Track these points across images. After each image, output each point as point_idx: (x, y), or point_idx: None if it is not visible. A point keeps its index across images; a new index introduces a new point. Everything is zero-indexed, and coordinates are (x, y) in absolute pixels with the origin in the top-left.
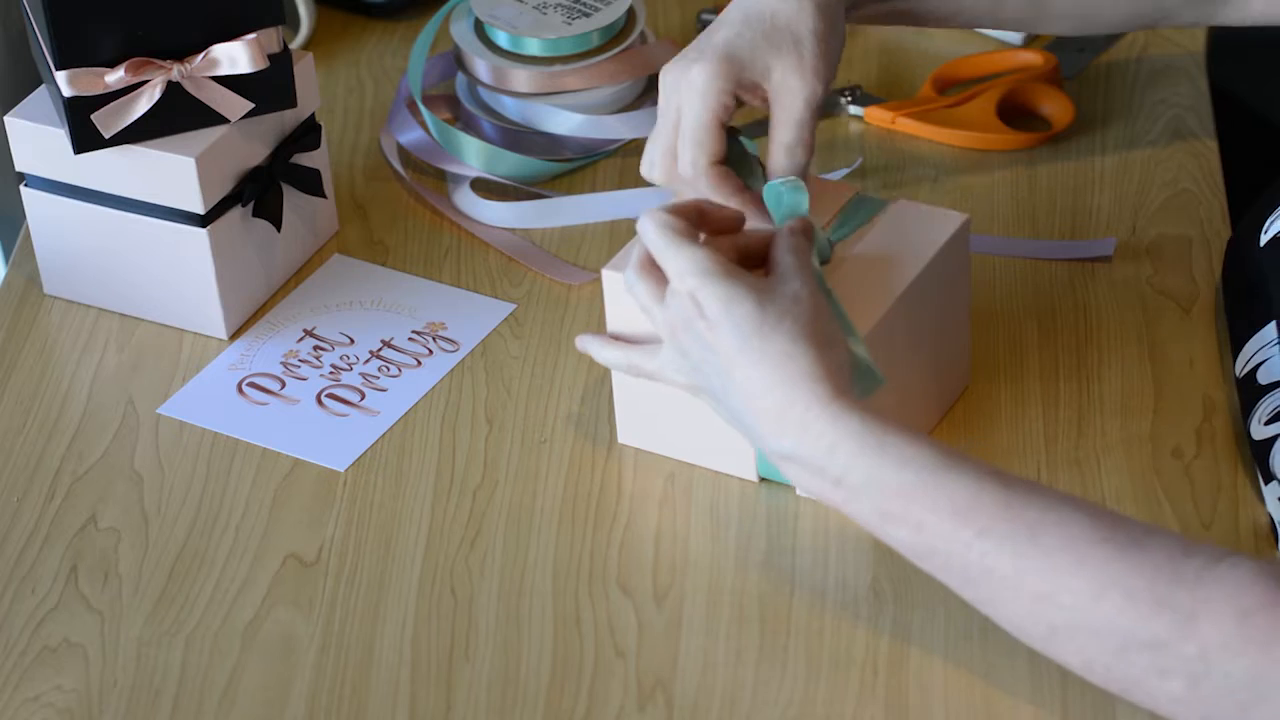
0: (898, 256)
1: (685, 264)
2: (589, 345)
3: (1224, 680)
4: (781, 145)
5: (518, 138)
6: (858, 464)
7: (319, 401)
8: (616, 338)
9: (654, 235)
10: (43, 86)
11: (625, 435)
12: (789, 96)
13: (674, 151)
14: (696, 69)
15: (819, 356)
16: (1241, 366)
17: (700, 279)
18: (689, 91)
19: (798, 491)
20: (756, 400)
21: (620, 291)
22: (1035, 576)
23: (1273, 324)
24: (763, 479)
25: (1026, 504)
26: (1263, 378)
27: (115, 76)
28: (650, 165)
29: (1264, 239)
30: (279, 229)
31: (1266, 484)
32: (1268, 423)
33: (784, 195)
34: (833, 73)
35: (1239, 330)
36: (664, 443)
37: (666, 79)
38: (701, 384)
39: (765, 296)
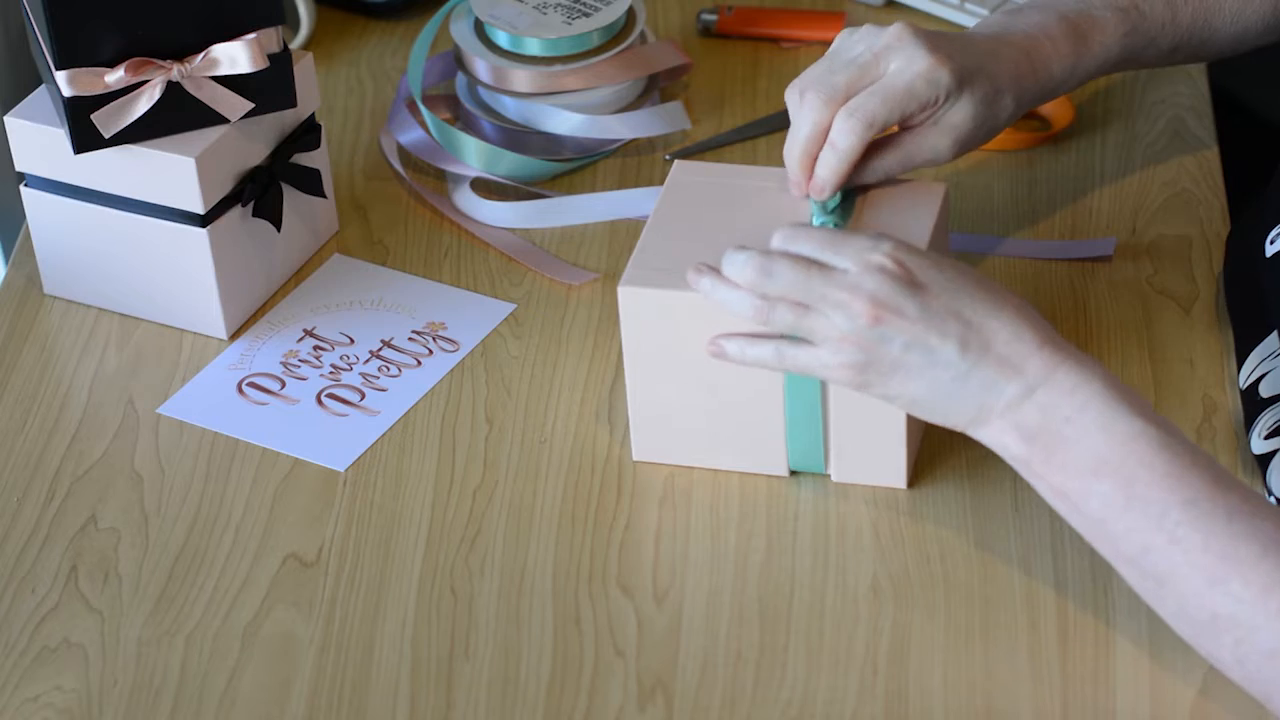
0: (900, 233)
1: (869, 241)
2: (728, 346)
3: None
4: (870, 169)
5: (518, 138)
6: (1094, 405)
7: (319, 401)
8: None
9: (817, 234)
10: (43, 86)
11: (641, 453)
12: (923, 152)
13: (834, 98)
14: (921, 59)
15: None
16: (1245, 378)
17: (895, 247)
18: (897, 78)
19: (1009, 438)
20: (1011, 344)
21: (638, 307)
22: (1217, 558)
23: (1275, 334)
24: (794, 472)
25: (1231, 488)
26: (1265, 390)
27: (115, 76)
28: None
29: (1270, 249)
30: (279, 229)
31: (1268, 499)
32: (1268, 437)
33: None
34: (969, 149)
35: (1243, 337)
36: (687, 454)
37: (892, 38)
38: (902, 363)
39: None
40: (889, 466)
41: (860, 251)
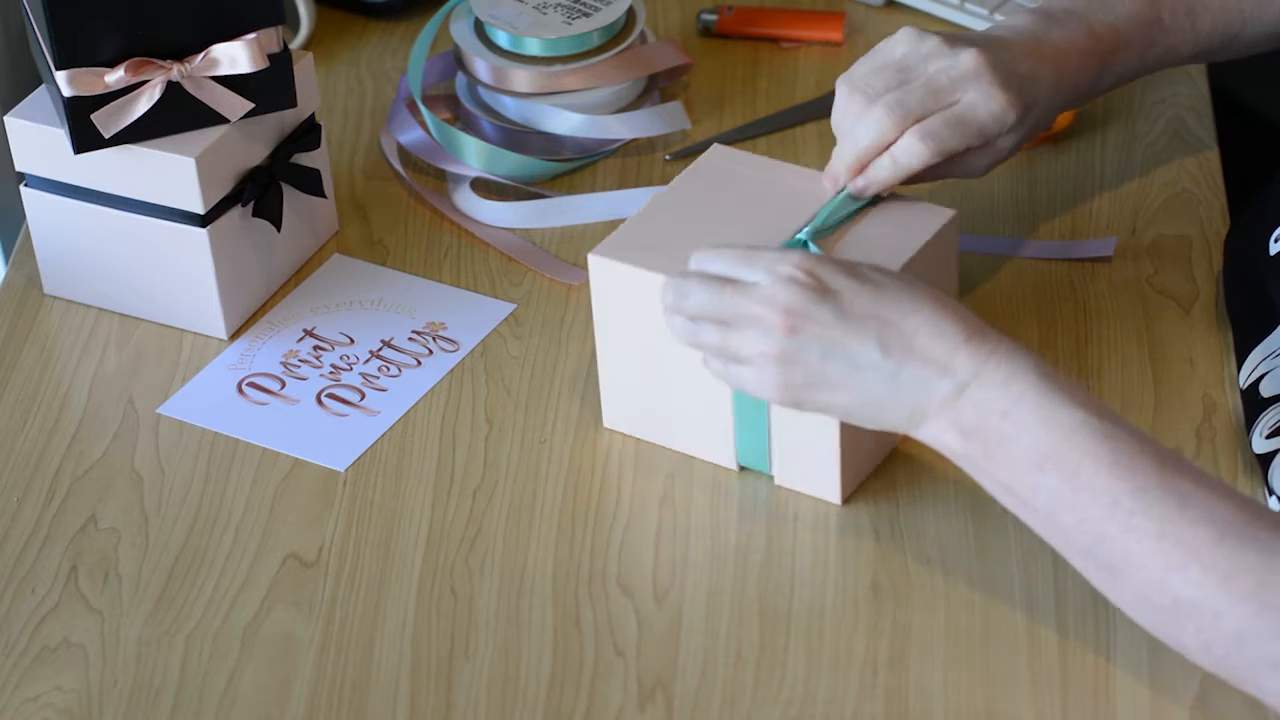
0: (882, 251)
1: (778, 254)
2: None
3: None
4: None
5: (518, 138)
6: (1029, 397)
7: (319, 401)
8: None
9: (729, 253)
10: (43, 86)
11: (611, 420)
12: (963, 168)
13: (905, 119)
14: (986, 97)
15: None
16: (1245, 377)
17: (804, 258)
18: (971, 112)
19: (949, 435)
20: (934, 340)
21: (606, 277)
22: (1174, 544)
23: (1278, 331)
24: (742, 468)
25: (1180, 474)
26: (1266, 390)
27: (115, 76)
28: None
29: (1274, 248)
30: (279, 229)
31: (1269, 497)
32: (1269, 436)
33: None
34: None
35: (1243, 337)
36: (649, 428)
37: (974, 64)
38: (826, 372)
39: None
40: (824, 479)
41: (770, 264)
